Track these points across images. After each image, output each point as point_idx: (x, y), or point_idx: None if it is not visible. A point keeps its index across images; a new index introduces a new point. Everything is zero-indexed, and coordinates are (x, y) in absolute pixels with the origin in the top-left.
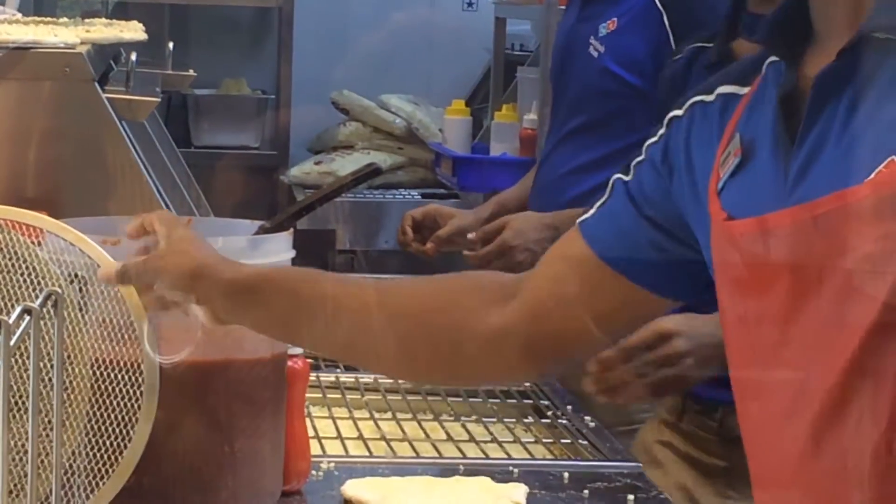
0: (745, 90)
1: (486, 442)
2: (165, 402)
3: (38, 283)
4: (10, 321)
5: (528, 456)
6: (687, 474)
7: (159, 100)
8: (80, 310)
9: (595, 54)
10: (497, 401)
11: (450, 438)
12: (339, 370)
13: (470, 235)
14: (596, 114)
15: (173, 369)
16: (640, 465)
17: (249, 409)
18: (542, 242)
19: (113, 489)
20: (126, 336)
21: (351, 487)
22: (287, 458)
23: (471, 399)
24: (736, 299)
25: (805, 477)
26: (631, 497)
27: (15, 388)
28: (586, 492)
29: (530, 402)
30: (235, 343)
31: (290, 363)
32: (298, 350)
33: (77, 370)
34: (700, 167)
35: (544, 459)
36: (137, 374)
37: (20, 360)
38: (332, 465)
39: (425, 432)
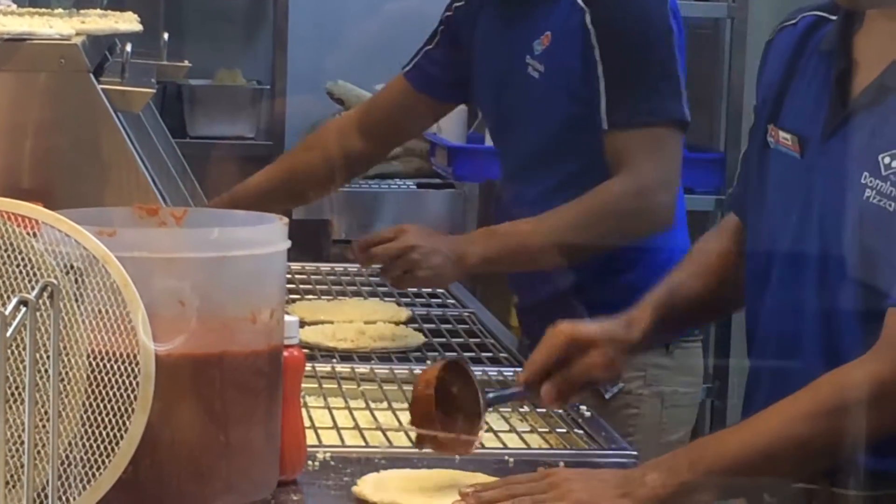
0: None
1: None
2: (161, 393)
3: (34, 274)
4: (7, 312)
5: (523, 445)
6: None
7: (154, 90)
8: (76, 301)
9: (535, 75)
10: (491, 391)
11: None
12: (334, 360)
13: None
14: (547, 142)
15: (169, 360)
16: (636, 452)
17: (245, 400)
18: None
19: (109, 479)
20: (122, 327)
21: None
22: (283, 448)
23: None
24: None
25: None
26: None
27: (11, 379)
28: None
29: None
30: (231, 334)
31: (285, 353)
32: (294, 340)
33: (73, 361)
34: None
35: (540, 449)
36: (134, 365)
37: (16, 352)
38: (328, 455)
39: None
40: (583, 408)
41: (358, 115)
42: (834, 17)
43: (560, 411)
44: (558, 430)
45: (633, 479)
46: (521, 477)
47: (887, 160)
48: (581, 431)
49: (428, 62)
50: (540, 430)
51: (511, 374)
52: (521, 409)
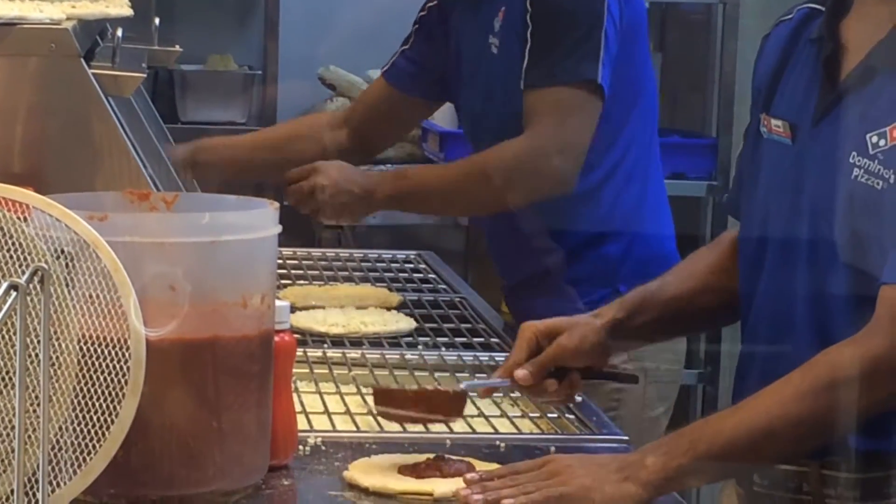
0: None
1: (472, 416)
2: (152, 378)
3: (25, 258)
4: None
5: (514, 430)
6: None
7: (145, 75)
8: (67, 285)
9: (494, 51)
10: (484, 376)
11: None
12: (326, 345)
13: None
14: (509, 115)
15: (160, 344)
16: (627, 438)
17: (236, 385)
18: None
19: (100, 464)
20: (113, 311)
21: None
22: (274, 432)
23: (458, 374)
24: None
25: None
26: None
27: (1, 364)
28: None
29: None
30: (222, 319)
31: (276, 338)
32: (285, 325)
33: (64, 346)
34: None
35: (531, 434)
36: (124, 350)
37: (7, 336)
38: (320, 439)
39: None
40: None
41: (346, 113)
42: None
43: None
44: (549, 415)
45: (633, 462)
46: (521, 465)
47: (875, 139)
48: (572, 416)
49: (405, 61)
50: (531, 415)
51: (502, 358)
52: (512, 395)
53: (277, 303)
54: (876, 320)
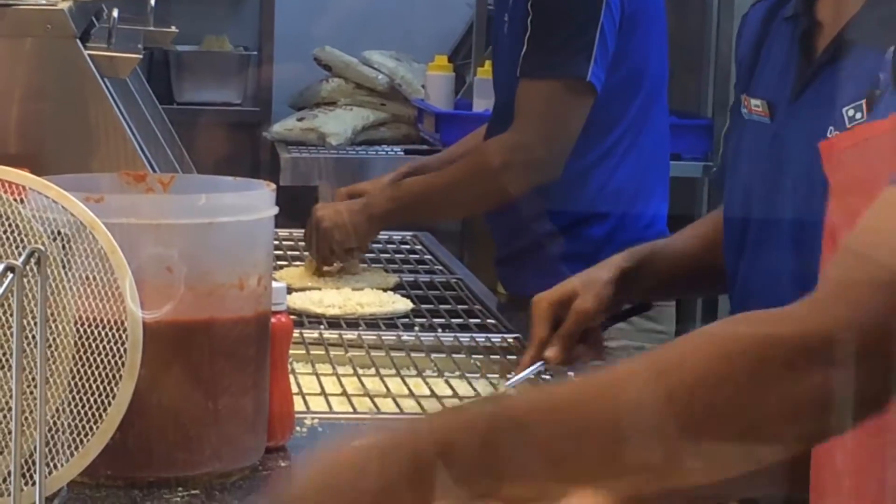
0: None
1: (469, 398)
2: (149, 360)
3: (21, 240)
4: None
5: None
6: None
7: (141, 56)
8: (64, 267)
9: (506, 29)
10: (480, 357)
11: (433, 395)
12: (322, 326)
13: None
14: (511, 95)
15: (157, 326)
16: None
17: (233, 366)
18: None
19: (97, 446)
20: (109, 293)
21: None
22: (271, 414)
23: (454, 355)
24: None
25: None
26: None
27: None
28: None
29: (514, 357)
30: (219, 301)
31: (273, 320)
32: (282, 307)
33: (60, 327)
34: None
35: None
36: (121, 332)
37: (3, 318)
38: (316, 421)
39: (409, 388)
40: (571, 374)
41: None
42: None
43: (548, 377)
44: None
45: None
46: None
47: (851, 112)
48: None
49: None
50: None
51: (498, 339)
52: (508, 375)
53: (274, 284)
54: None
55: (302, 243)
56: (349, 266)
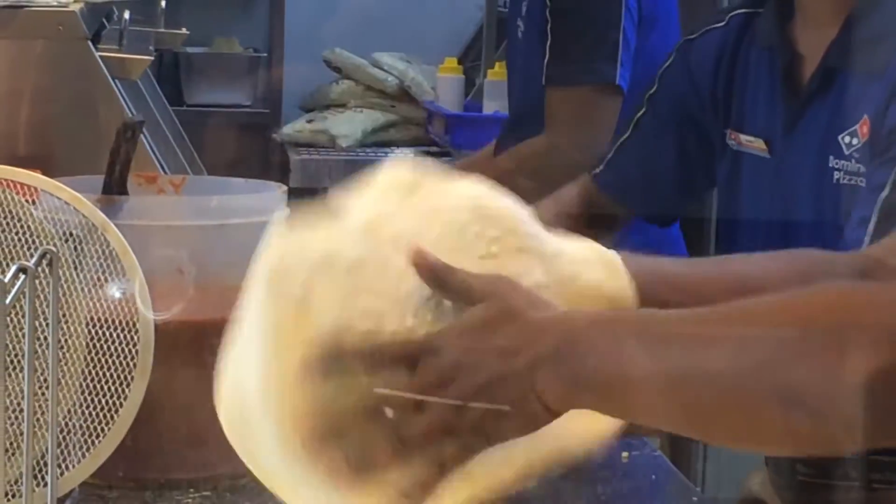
0: None
1: None
2: (160, 360)
3: (33, 242)
4: (6, 280)
5: None
6: None
7: (152, 58)
8: (75, 268)
9: (520, 35)
10: None
11: None
12: None
13: None
14: (527, 101)
15: (168, 327)
16: None
17: None
18: None
19: (109, 447)
20: (121, 294)
21: None
22: None
23: None
24: None
25: None
26: (625, 454)
27: (10, 346)
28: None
29: None
30: (230, 302)
31: None
32: None
33: (72, 328)
34: None
35: None
36: (133, 333)
37: (16, 319)
38: None
39: None
40: None
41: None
42: (761, 10)
43: None
44: None
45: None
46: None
47: (847, 139)
48: None
49: None
50: None
51: None
52: None
53: None
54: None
55: None
56: None
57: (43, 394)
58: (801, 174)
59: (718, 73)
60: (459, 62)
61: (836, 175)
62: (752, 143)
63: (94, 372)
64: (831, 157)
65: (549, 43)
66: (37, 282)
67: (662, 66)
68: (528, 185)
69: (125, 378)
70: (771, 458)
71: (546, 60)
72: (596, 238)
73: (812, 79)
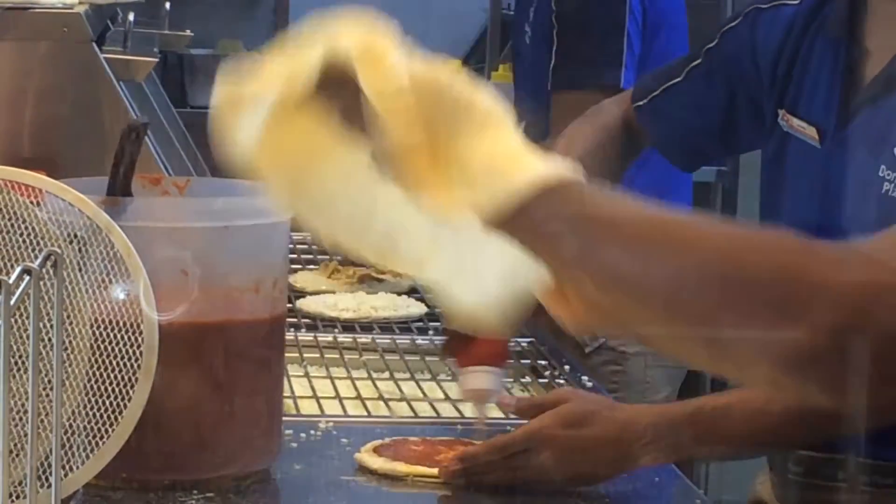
0: None
1: None
2: (164, 362)
3: (38, 243)
4: (10, 281)
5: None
6: None
7: (157, 60)
8: (80, 270)
9: (527, 41)
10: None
11: (447, 398)
12: (336, 330)
13: None
14: (535, 105)
15: (172, 329)
16: None
17: (248, 369)
18: None
19: (113, 448)
20: (125, 296)
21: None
22: None
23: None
24: None
25: None
26: None
27: (15, 348)
28: None
29: (528, 362)
30: (234, 303)
31: None
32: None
33: (77, 330)
34: None
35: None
36: (137, 334)
37: (20, 320)
38: (331, 424)
39: (423, 392)
40: (585, 378)
41: None
42: None
43: (562, 382)
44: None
45: (630, 446)
46: (506, 441)
47: None
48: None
49: None
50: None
51: (512, 344)
52: (522, 380)
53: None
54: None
55: (316, 247)
56: (372, 270)
57: (47, 395)
58: (849, 173)
59: (783, 51)
60: (463, 65)
61: (886, 187)
62: (804, 129)
63: (98, 373)
64: (883, 168)
65: (555, 48)
66: (41, 283)
67: (726, 25)
68: None
69: (129, 379)
70: (771, 459)
71: (552, 65)
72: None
73: (876, 79)
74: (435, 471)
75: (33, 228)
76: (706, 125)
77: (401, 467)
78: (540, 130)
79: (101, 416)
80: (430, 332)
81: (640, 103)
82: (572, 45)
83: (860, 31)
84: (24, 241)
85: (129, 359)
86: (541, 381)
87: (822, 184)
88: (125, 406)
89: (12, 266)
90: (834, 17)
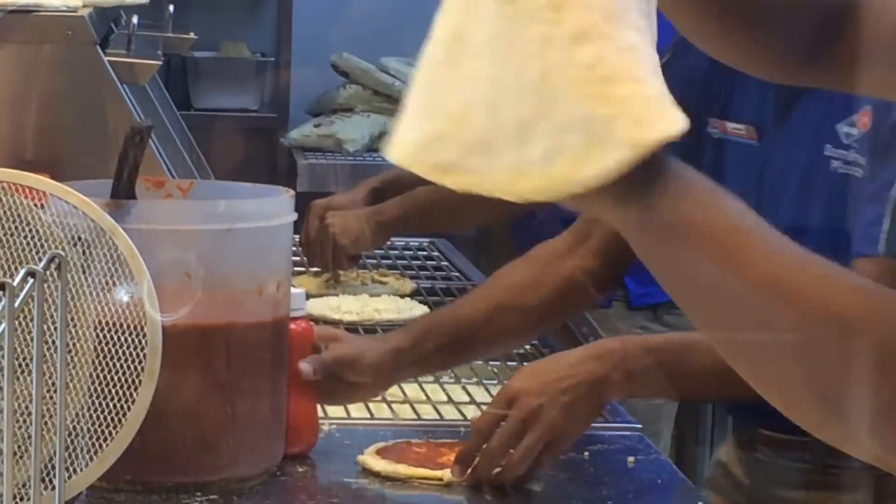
0: None
1: (486, 404)
2: (168, 364)
3: (42, 245)
4: (15, 284)
5: None
6: None
7: (161, 63)
8: (84, 272)
9: None
10: (498, 363)
11: (451, 400)
12: None
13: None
14: None
15: (175, 331)
16: (640, 426)
17: (250, 371)
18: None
19: (116, 451)
20: (129, 298)
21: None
22: (294, 421)
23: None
24: None
25: None
26: (631, 459)
27: (19, 350)
28: (587, 453)
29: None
30: (237, 306)
31: (292, 326)
32: (301, 312)
33: (80, 332)
34: None
35: None
36: (141, 337)
37: (24, 323)
38: (334, 426)
39: (426, 394)
40: None
41: None
42: None
43: None
44: None
45: (600, 385)
46: (487, 421)
47: (845, 129)
48: None
49: None
50: None
51: None
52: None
53: (293, 290)
54: None
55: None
56: (347, 274)
57: (51, 397)
58: (794, 162)
59: (711, 62)
60: None
61: (834, 164)
62: (740, 131)
63: (101, 375)
64: (828, 147)
65: None
66: (45, 286)
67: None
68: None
69: (133, 381)
70: (736, 433)
71: None
72: None
73: None
74: (438, 473)
75: (37, 231)
76: None
77: (403, 469)
78: None
79: (105, 418)
80: None
81: None
82: None
83: None
84: (28, 244)
85: (133, 361)
86: None
87: (763, 178)
88: (129, 408)
89: (17, 268)
90: None
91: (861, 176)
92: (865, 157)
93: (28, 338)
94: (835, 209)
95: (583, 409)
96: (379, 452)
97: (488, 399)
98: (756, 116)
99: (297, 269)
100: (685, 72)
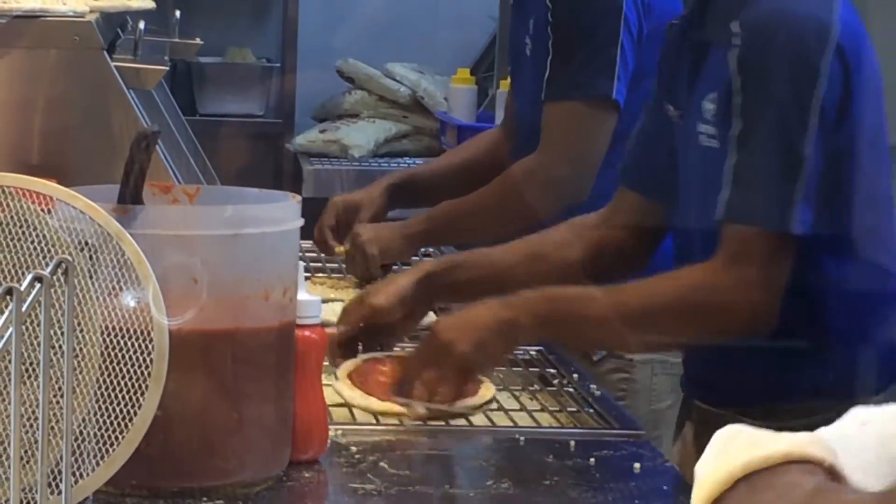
0: None
1: (492, 410)
2: (174, 369)
3: (49, 250)
4: (22, 289)
5: (534, 424)
6: None
7: (167, 68)
8: (90, 277)
9: (528, 53)
10: (503, 369)
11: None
12: None
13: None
14: (534, 116)
15: (182, 336)
16: (644, 432)
17: (257, 376)
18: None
19: (123, 455)
20: (135, 303)
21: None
22: (305, 427)
23: None
24: None
25: None
26: (637, 465)
27: (25, 355)
28: (592, 460)
29: (536, 370)
30: (243, 311)
31: (306, 332)
32: (315, 320)
33: (87, 337)
34: None
35: (550, 427)
36: (147, 341)
37: (31, 327)
38: (339, 431)
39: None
40: (593, 387)
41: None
42: None
43: (571, 390)
44: (569, 408)
45: (513, 326)
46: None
47: (707, 105)
48: (592, 410)
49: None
50: (550, 408)
51: (521, 352)
52: (531, 388)
53: (308, 297)
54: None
55: (325, 256)
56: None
57: (58, 402)
58: (686, 140)
59: (673, 56)
60: (472, 73)
61: (700, 138)
62: (672, 113)
63: (108, 380)
64: (698, 123)
65: (549, 59)
66: (52, 290)
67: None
68: (520, 206)
69: (140, 386)
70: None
71: (546, 76)
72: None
73: (695, 49)
74: (404, 409)
75: (44, 236)
76: (665, 151)
77: (375, 405)
78: (537, 141)
79: (112, 422)
80: None
81: (624, 165)
82: (565, 55)
83: (697, 11)
84: (34, 249)
85: (140, 366)
86: (549, 389)
87: (686, 155)
88: (135, 413)
89: (23, 273)
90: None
91: (718, 147)
92: (723, 129)
93: (35, 342)
94: (706, 182)
95: (493, 345)
96: (350, 377)
97: (493, 405)
98: (678, 100)
99: (316, 275)
100: (658, 63)
